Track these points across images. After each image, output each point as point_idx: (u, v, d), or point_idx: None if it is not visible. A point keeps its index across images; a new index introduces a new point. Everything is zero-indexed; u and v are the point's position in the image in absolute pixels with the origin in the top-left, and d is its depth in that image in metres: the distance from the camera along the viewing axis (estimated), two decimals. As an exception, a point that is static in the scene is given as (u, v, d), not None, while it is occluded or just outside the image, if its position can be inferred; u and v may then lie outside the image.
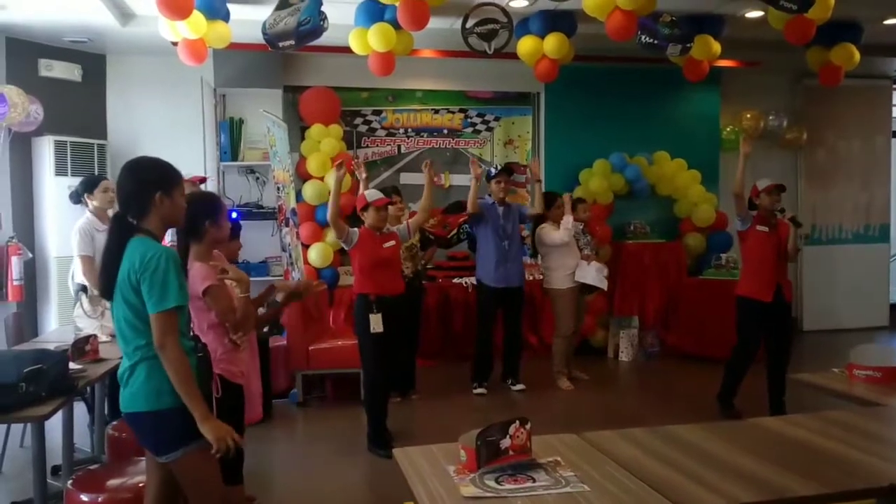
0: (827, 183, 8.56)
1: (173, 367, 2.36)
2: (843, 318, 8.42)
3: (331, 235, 6.75)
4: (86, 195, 4.72)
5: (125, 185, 2.48)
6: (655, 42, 5.70)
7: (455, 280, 6.98)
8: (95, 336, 3.80)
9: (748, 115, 8.04)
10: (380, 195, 4.74)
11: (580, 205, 6.36)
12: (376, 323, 4.55)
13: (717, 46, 6.16)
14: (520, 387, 5.96)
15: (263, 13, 5.35)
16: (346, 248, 4.79)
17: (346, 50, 5.79)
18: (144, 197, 2.44)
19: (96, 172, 6.17)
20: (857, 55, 6.41)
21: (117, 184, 2.51)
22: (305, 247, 6.71)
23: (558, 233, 5.86)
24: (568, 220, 5.84)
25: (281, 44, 5.23)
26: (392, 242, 4.76)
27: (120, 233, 2.45)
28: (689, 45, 5.87)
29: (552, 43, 5.95)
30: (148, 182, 2.45)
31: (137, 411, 2.43)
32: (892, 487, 2.04)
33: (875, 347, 3.49)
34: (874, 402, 2.98)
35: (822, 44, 6.32)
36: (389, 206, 4.88)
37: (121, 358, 3.70)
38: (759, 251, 5.00)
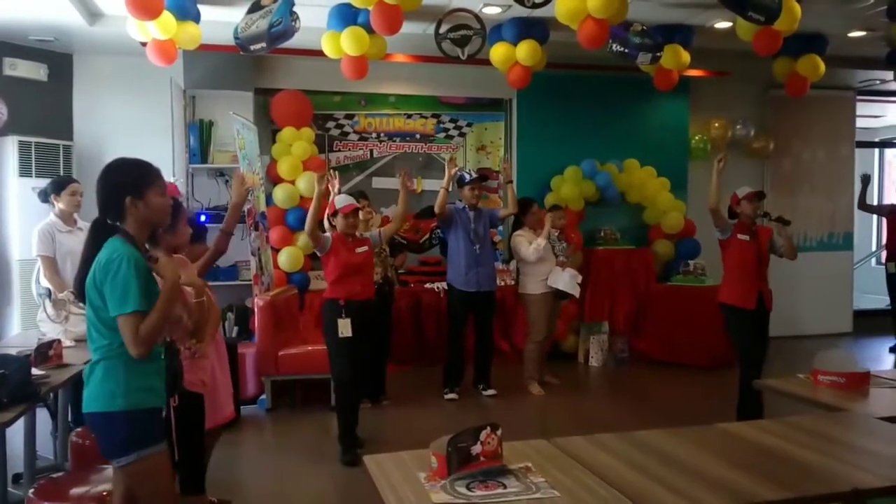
0: (793, 191, 8.70)
1: (151, 335, 2.33)
2: (807, 325, 8.56)
3: (302, 239, 6.70)
4: (52, 196, 4.63)
5: (99, 189, 2.46)
6: (626, 51, 5.77)
7: (427, 285, 6.97)
8: (59, 341, 3.72)
9: (716, 124, 8.16)
10: (349, 201, 4.73)
11: (556, 212, 6.40)
12: (345, 327, 4.54)
13: (686, 56, 6.26)
14: (491, 392, 5.97)
15: (235, 14, 5.31)
16: (319, 255, 4.78)
17: (319, 53, 5.77)
18: (116, 201, 2.42)
19: (62, 174, 6.06)
20: (823, 66, 6.55)
21: (96, 187, 2.47)
22: (276, 251, 6.65)
23: (528, 250, 5.88)
24: (541, 242, 5.85)
25: (252, 47, 5.20)
26: (365, 248, 4.77)
27: (97, 236, 2.42)
28: (659, 54, 5.95)
29: (525, 50, 5.98)
30: (117, 186, 2.43)
31: (92, 411, 2.41)
32: (856, 492, 2.08)
33: (839, 353, 3.54)
34: (838, 407, 3.03)
35: (789, 55, 6.45)
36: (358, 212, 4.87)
37: (85, 363, 3.66)
38: (741, 260, 4.95)
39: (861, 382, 3.31)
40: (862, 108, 9.12)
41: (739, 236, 4.96)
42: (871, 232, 10.96)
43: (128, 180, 2.44)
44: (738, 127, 8.22)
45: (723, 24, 6.24)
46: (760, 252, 4.99)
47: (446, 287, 6.08)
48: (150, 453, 2.39)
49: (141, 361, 2.38)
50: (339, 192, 5.02)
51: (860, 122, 9.29)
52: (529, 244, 5.89)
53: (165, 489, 2.50)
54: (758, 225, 5.07)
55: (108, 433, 2.41)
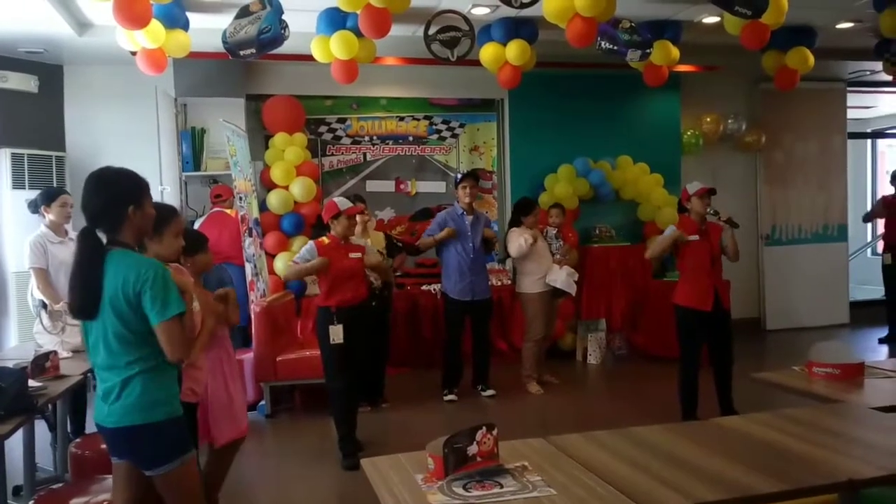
0: (786, 184, 8.72)
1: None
2: (804, 317, 8.58)
3: (297, 245, 6.70)
4: (43, 207, 4.63)
5: (94, 199, 2.41)
6: (615, 48, 5.77)
7: (424, 287, 6.98)
8: (56, 352, 3.72)
9: (708, 119, 8.18)
10: (350, 203, 4.70)
11: (554, 210, 6.41)
12: (335, 334, 4.52)
13: (675, 52, 6.27)
14: (490, 392, 5.97)
15: (223, 21, 5.31)
16: None
17: (309, 58, 5.77)
18: (117, 211, 2.40)
19: (55, 185, 6.06)
20: (812, 59, 6.57)
21: (85, 198, 2.42)
22: (271, 256, 6.65)
23: (516, 240, 5.87)
24: (528, 238, 5.84)
25: (242, 52, 5.20)
26: (358, 254, 4.72)
27: (94, 248, 2.39)
28: (648, 50, 5.96)
29: (514, 50, 5.99)
30: (119, 196, 2.41)
31: (132, 424, 2.40)
32: (852, 482, 2.09)
33: (834, 345, 3.57)
34: (833, 398, 3.04)
35: (778, 48, 6.48)
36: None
37: (83, 374, 3.66)
38: (694, 260, 4.89)
39: (856, 373, 3.32)
40: (853, 99, 9.15)
41: (689, 238, 4.88)
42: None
43: (130, 190, 2.44)
44: (729, 121, 8.24)
45: (711, 19, 6.25)
46: (713, 250, 4.91)
47: (442, 291, 6.07)
48: (190, 457, 2.49)
49: (170, 368, 2.45)
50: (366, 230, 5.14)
51: (851, 114, 9.30)
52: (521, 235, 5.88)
53: (200, 488, 2.59)
54: (708, 222, 4.97)
55: (153, 443, 2.43)
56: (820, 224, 8.87)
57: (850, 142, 9.19)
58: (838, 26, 6.72)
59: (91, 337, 2.44)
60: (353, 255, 4.69)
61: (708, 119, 8.18)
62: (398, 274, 6.65)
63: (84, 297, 2.38)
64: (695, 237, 4.88)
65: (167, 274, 2.40)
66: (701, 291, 4.88)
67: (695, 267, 4.90)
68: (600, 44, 5.68)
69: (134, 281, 2.32)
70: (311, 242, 4.70)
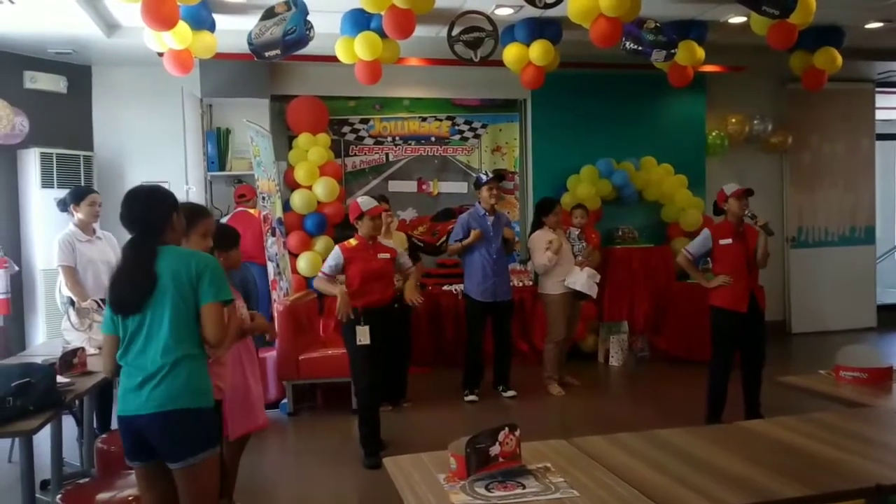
0: (812, 186, 8.62)
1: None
2: (830, 320, 8.46)
3: (320, 244, 6.75)
4: (72, 206, 4.69)
5: (145, 213, 2.60)
6: (640, 48, 5.74)
7: (445, 287, 6.99)
8: (83, 349, 3.77)
9: (733, 120, 8.10)
10: (374, 203, 4.68)
11: (577, 210, 6.39)
12: (363, 335, 4.52)
13: (701, 52, 6.22)
14: (511, 393, 5.96)
15: (249, 23, 5.35)
16: None
17: (333, 59, 5.80)
18: (165, 220, 2.62)
19: (83, 184, 6.15)
20: (840, 59, 6.49)
21: (134, 213, 2.59)
22: (294, 256, 6.70)
23: (541, 258, 5.89)
24: (552, 257, 5.84)
25: (267, 53, 5.24)
26: (387, 255, 4.70)
27: (148, 249, 2.55)
28: (673, 50, 5.92)
29: (538, 50, 5.98)
30: (167, 206, 2.65)
31: (175, 409, 2.45)
32: (880, 488, 2.06)
33: (861, 349, 3.51)
34: (860, 402, 3.00)
35: (805, 48, 6.40)
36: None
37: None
38: (731, 263, 4.85)
39: (884, 378, 3.27)
40: (881, 100, 9.00)
41: (721, 241, 4.87)
42: (893, 225, 10.81)
43: (169, 199, 2.68)
44: (755, 122, 8.15)
45: (737, 19, 6.20)
46: (748, 252, 4.88)
47: (464, 292, 6.07)
48: (215, 451, 2.56)
49: (206, 359, 2.59)
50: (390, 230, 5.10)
51: (880, 115, 9.16)
52: (546, 250, 5.87)
53: (216, 488, 2.63)
54: (745, 224, 4.93)
55: (189, 430, 2.48)
56: (847, 226, 8.75)
57: (878, 143, 9.05)
58: (867, 26, 6.63)
59: (132, 327, 2.50)
60: (381, 255, 4.68)
61: (733, 120, 8.11)
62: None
63: (136, 290, 2.49)
64: (728, 241, 4.86)
65: (220, 266, 2.64)
66: (737, 293, 4.84)
67: (732, 269, 4.85)
68: (625, 44, 5.65)
69: (196, 264, 2.53)
70: (336, 248, 4.68)
